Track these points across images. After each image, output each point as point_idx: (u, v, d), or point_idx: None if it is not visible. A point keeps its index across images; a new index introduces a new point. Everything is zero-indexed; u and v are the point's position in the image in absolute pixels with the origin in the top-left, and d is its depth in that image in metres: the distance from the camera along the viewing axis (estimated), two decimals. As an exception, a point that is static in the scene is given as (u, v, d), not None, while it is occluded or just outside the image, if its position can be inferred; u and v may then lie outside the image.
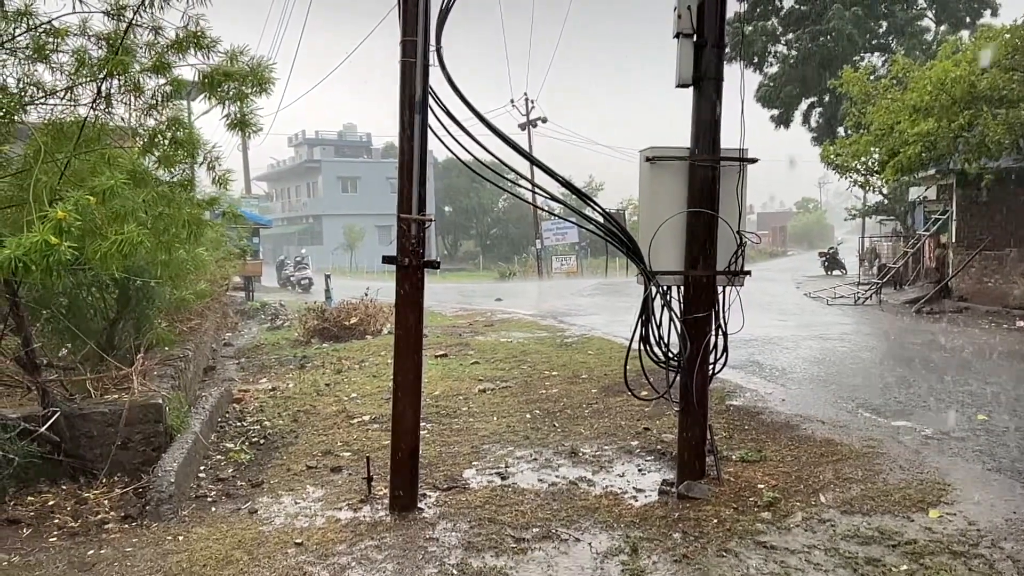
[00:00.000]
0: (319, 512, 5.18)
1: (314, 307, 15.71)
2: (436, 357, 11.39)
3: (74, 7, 4.74)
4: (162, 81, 5.03)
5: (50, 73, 5.06)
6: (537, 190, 6.03)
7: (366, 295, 15.70)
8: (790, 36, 31.07)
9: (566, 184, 5.51)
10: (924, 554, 4.22)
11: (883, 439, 6.47)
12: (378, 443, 6.73)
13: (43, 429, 5.47)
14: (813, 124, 31.99)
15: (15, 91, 4.95)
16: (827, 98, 29.84)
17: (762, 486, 5.37)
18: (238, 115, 5.21)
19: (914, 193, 24.28)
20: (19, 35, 4.87)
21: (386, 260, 5.18)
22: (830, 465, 5.80)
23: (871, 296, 20.42)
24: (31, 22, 4.85)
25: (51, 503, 5.39)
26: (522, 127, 41.35)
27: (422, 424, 5.88)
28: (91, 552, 4.59)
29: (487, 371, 10.31)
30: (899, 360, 11.22)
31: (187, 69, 5.10)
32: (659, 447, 6.46)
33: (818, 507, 4.96)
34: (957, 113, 15.12)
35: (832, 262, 33.67)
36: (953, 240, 19.60)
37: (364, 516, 5.06)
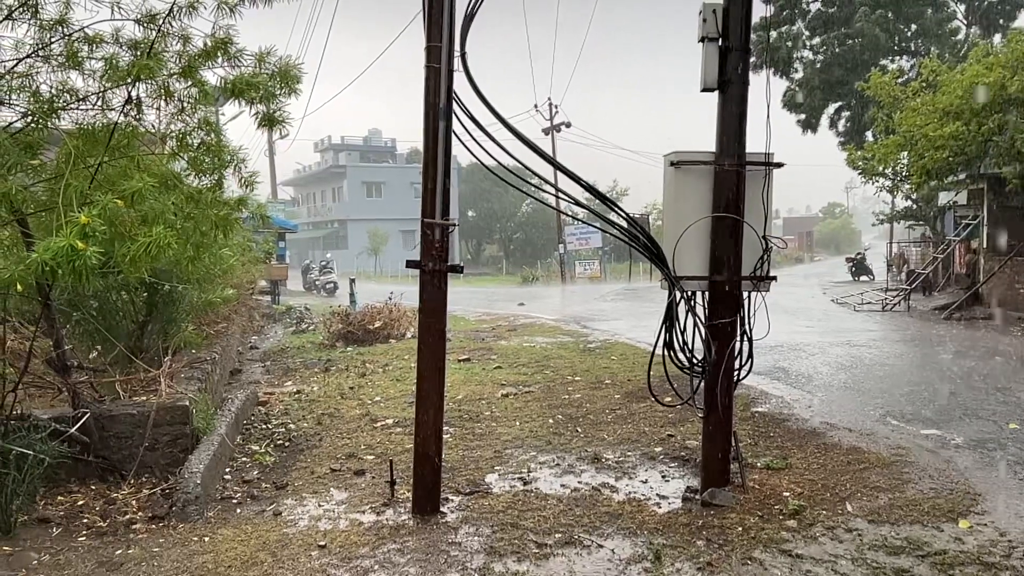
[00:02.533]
0: (342, 515, 5.21)
1: (339, 311, 15.82)
2: (459, 361, 11.41)
3: (112, 13, 4.83)
4: (189, 84, 5.09)
5: (82, 79, 5.16)
6: (560, 195, 6.02)
7: (390, 299, 15.79)
8: (816, 40, 30.77)
9: (590, 188, 5.49)
10: (954, 565, 4.14)
11: (911, 448, 6.36)
12: (401, 446, 6.75)
13: (73, 430, 5.56)
14: (840, 129, 31.66)
15: (48, 97, 5.04)
16: (854, 102, 29.52)
17: (788, 494, 5.31)
18: (266, 114, 5.27)
19: (944, 198, 23.91)
20: (53, 42, 4.98)
21: (410, 264, 5.20)
22: (857, 473, 5.72)
23: (899, 302, 20.12)
24: (65, 30, 4.95)
25: (80, 503, 5.48)
26: (546, 132, 41.35)
27: (445, 428, 5.89)
28: (119, 552, 4.65)
29: (510, 375, 10.30)
30: (928, 367, 11.04)
31: (213, 78, 5.16)
32: (683, 453, 6.41)
33: (845, 516, 4.89)
34: (987, 117, 14.87)
35: (859, 267, 33.23)
36: (984, 246, 19.26)
37: (387, 519, 5.08)
